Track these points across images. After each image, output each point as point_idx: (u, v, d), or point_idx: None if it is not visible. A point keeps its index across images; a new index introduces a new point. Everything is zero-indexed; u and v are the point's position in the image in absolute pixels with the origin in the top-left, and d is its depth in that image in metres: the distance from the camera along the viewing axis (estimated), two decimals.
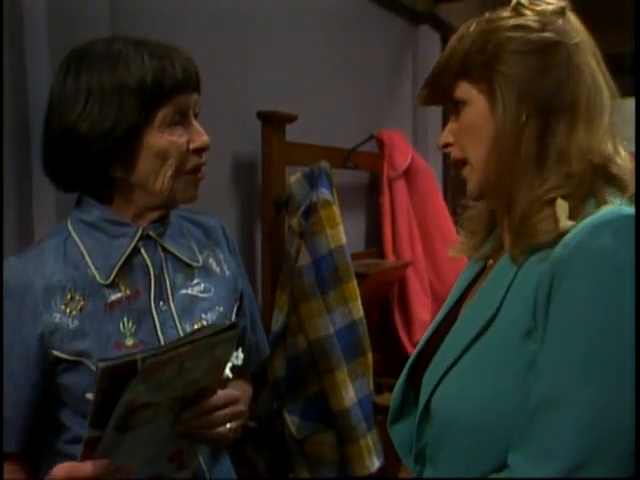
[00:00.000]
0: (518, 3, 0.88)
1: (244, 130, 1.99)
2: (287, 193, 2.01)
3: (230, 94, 1.91)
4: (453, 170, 0.96)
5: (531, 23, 0.86)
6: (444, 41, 3.12)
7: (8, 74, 1.32)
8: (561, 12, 0.87)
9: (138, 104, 0.95)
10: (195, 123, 1.02)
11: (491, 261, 0.97)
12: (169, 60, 0.98)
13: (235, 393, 0.97)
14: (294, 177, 2.02)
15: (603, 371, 0.74)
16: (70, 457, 0.98)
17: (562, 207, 0.81)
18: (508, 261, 0.87)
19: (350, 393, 1.94)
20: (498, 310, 0.84)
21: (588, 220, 0.78)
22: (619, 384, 0.74)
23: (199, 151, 1.02)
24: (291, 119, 2.01)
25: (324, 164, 2.00)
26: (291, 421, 1.96)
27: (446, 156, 0.98)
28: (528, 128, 0.85)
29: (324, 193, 1.95)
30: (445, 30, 3.13)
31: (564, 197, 0.82)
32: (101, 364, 0.77)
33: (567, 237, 0.78)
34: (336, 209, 1.98)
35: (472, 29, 0.88)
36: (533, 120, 0.85)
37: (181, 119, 1.00)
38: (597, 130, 0.85)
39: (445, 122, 0.96)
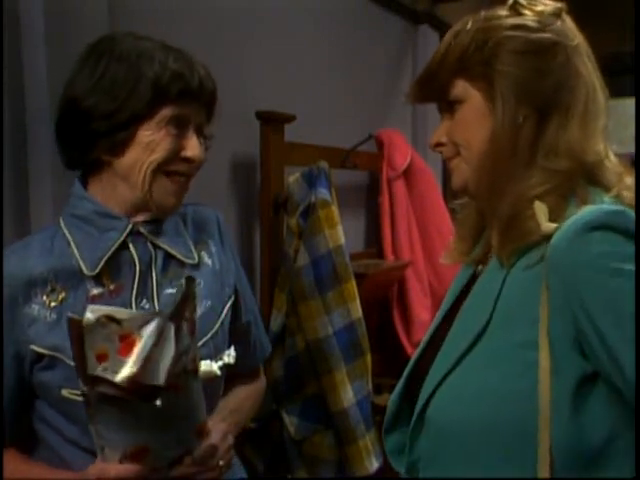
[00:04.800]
0: (516, 2, 0.88)
1: (243, 130, 1.98)
2: (286, 193, 2.00)
3: (229, 94, 1.89)
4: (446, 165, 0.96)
5: (530, 23, 0.86)
6: None
7: (6, 72, 1.31)
8: (558, 13, 0.88)
9: (148, 95, 0.96)
10: (194, 138, 1.02)
11: (481, 266, 0.97)
12: (190, 67, 1.00)
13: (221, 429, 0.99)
14: (293, 177, 2.01)
15: None
16: (60, 457, 0.99)
17: (540, 208, 0.81)
18: (496, 266, 0.87)
19: (349, 394, 1.93)
20: (490, 318, 0.84)
21: (572, 221, 0.78)
22: None
23: (189, 161, 1.01)
24: (290, 119, 2.00)
25: (323, 164, 1.99)
26: (290, 422, 1.96)
27: None
28: (525, 128, 0.85)
29: (323, 193, 1.95)
30: (445, 30, 3.10)
31: (546, 193, 0.82)
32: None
33: (554, 241, 0.78)
34: (335, 209, 1.98)
35: (469, 26, 0.88)
36: (529, 120, 0.85)
37: (181, 126, 1.00)
38: (593, 131, 0.85)
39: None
